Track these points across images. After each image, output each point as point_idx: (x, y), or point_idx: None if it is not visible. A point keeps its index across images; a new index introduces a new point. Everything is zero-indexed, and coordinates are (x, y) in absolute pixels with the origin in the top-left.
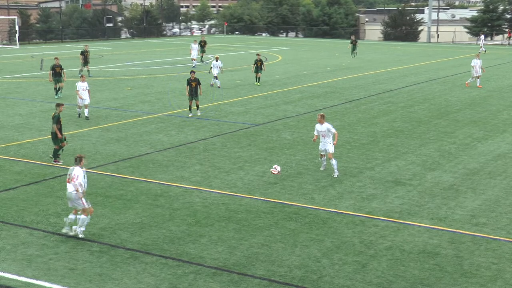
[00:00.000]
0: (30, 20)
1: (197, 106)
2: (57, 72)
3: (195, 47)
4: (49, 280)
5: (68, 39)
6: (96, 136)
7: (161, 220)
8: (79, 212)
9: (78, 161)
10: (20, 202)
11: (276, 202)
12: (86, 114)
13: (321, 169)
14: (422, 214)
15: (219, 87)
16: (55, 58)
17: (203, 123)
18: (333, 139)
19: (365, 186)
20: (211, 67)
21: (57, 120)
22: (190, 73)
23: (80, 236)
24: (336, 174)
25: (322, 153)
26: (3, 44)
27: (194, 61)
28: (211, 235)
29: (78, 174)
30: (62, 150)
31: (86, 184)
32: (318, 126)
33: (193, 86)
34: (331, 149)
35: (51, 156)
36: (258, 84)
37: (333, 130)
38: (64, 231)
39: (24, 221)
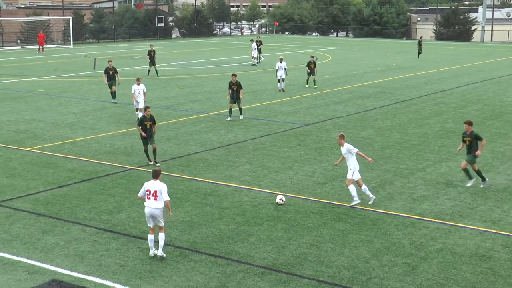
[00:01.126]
0: (83, 20)
1: (240, 109)
2: (110, 75)
3: (253, 45)
4: (100, 276)
5: (120, 38)
6: None
7: (210, 219)
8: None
9: (156, 175)
10: (73, 199)
11: (325, 202)
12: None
13: (369, 202)
14: (474, 217)
15: (282, 90)
16: (108, 61)
17: (252, 123)
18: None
19: (415, 187)
20: (276, 69)
21: (139, 122)
22: (232, 76)
23: (164, 255)
24: (371, 200)
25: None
26: (58, 44)
27: (254, 60)
28: (260, 234)
29: (161, 188)
30: (153, 152)
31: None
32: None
33: (235, 89)
34: (349, 174)
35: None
36: (315, 87)
37: (355, 150)
38: (151, 254)
39: (76, 217)
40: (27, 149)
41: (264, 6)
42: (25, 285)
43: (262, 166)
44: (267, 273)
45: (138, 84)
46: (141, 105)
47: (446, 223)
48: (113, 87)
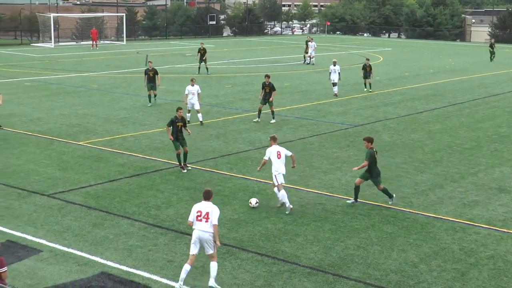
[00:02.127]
0: (136, 17)
1: (272, 112)
2: (150, 77)
3: (312, 44)
4: (148, 270)
5: (172, 36)
6: (196, 132)
7: (257, 217)
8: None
9: (208, 196)
10: (123, 193)
11: (373, 205)
12: (200, 119)
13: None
14: None
15: (336, 95)
16: (148, 62)
17: (301, 123)
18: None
19: (466, 192)
20: (329, 72)
21: (169, 123)
22: (265, 77)
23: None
24: (288, 209)
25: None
26: (111, 40)
27: (312, 59)
28: (307, 234)
29: (213, 210)
30: (184, 155)
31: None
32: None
33: (267, 91)
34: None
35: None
36: (370, 90)
37: (289, 153)
38: (177, 286)
39: (126, 212)
40: (80, 143)
41: (315, 6)
42: (76, 276)
43: (310, 166)
44: (313, 274)
45: (192, 85)
46: (196, 106)
47: (498, 230)
48: (153, 91)
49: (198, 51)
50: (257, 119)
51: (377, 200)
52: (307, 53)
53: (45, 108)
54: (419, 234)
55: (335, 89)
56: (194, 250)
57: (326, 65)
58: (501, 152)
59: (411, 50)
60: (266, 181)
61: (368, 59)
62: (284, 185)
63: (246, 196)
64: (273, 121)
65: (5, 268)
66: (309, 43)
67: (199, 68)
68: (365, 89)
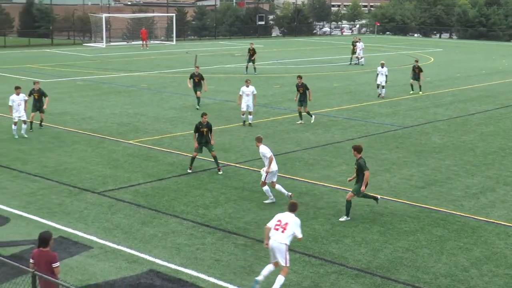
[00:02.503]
0: (186, 17)
1: (308, 113)
2: (196, 82)
3: (359, 45)
4: (195, 269)
5: (221, 36)
6: (244, 131)
7: (305, 218)
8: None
9: (293, 208)
10: (171, 192)
11: (422, 207)
12: (249, 120)
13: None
14: None
15: (382, 97)
16: (196, 67)
17: (350, 123)
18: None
19: None
20: (377, 74)
21: (195, 129)
22: (297, 78)
23: None
24: (288, 195)
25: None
26: (161, 40)
27: (361, 59)
28: (355, 236)
29: (294, 222)
30: (215, 159)
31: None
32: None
33: (301, 92)
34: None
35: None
36: (420, 92)
37: (268, 155)
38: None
39: (174, 210)
40: (130, 141)
41: (365, 6)
42: (125, 273)
43: None
44: (361, 276)
45: (247, 86)
46: (250, 108)
47: None
48: (198, 92)
49: (248, 51)
50: (300, 121)
51: (427, 203)
52: (354, 53)
53: (96, 107)
54: (470, 238)
55: (382, 91)
56: (271, 259)
57: (375, 65)
58: None
59: (462, 50)
60: (314, 182)
61: (417, 60)
62: (331, 185)
63: (294, 197)
64: (312, 120)
65: (57, 264)
66: (357, 43)
67: (246, 67)
68: (411, 92)
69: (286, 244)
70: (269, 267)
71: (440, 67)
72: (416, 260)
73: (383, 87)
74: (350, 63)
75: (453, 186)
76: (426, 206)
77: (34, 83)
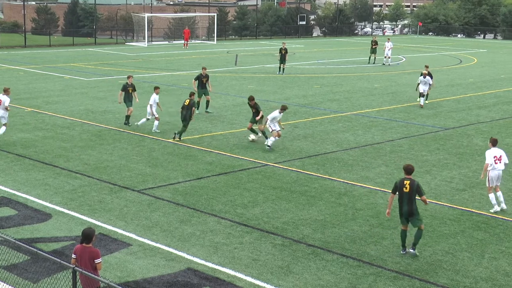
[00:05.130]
0: (227, 17)
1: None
2: (203, 84)
3: (389, 45)
4: (233, 268)
5: (262, 36)
6: (284, 131)
7: (343, 219)
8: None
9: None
10: (210, 191)
11: (463, 210)
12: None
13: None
14: None
15: (421, 106)
16: (202, 68)
17: (390, 124)
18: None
19: None
20: (418, 83)
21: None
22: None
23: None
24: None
25: None
26: (202, 40)
27: (389, 59)
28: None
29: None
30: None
31: None
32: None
33: (253, 111)
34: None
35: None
36: (426, 102)
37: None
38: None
39: (213, 209)
40: (169, 140)
41: (408, 6)
42: (163, 271)
43: (398, 168)
44: (400, 278)
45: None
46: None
47: None
48: (207, 96)
49: (280, 51)
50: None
51: (468, 205)
52: (374, 53)
53: (138, 106)
54: None
55: (422, 100)
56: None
57: (417, 66)
58: None
59: (508, 51)
60: (352, 182)
61: (427, 66)
62: (370, 187)
63: (332, 197)
64: (254, 137)
65: (100, 260)
66: (386, 43)
67: (279, 68)
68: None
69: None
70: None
71: (484, 68)
72: (456, 264)
73: (422, 95)
74: (369, 63)
75: None
76: (467, 209)
77: (128, 77)
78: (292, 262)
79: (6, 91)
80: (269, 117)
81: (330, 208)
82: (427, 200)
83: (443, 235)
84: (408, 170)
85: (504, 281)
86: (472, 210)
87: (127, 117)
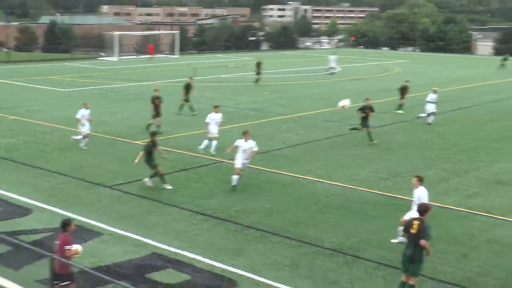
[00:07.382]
0: (188, 34)
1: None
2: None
3: (333, 58)
4: (192, 251)
5: (218, 50)
6: (236, 132)
7: (288, 207)
8: None
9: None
10: (173, 185)
11: (388, 196)
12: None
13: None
14: None
15: (429, 123)
16: (155, 90)
17: (327, 125)
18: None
19: (469, 183)
20: (427, 101)
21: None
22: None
23: None
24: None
25: None
26: (166, 54)
27: (332, 70)
28: (329, 221)
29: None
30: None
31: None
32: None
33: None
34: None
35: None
36: (401, 112)
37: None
38: None
39: (175, 201)
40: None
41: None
42: (131, 256)
43: (335, 162)
44: (335, 255)
45: (216, 113)
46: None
47: (496, 217)
48: (187, 103)
49: (256, 64)
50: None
51: (391, 192)
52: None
53: (109, 112)
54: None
55: (422, 115)
56: None
57: (350, 75)
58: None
59: (424, 62)
60: (296, 175)
61: (407, 81)
62: (311, 178)
63: (279, 188)
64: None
65: (69, 246)
66: (330, 56)
67: (256, 79)
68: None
69: None
70: None
71: (406, 76)
72: (382, 241)
73: (433, 113)
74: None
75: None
76: (391, 194)
77: (154, 90)
78: (244, 245)
79: None
80: (236, 144)
81: (277, 197)
82: (426, 245)
83: (372, 217)
84: (421, 210)
85: None
86: (395, 195)
87: (158, 127)
